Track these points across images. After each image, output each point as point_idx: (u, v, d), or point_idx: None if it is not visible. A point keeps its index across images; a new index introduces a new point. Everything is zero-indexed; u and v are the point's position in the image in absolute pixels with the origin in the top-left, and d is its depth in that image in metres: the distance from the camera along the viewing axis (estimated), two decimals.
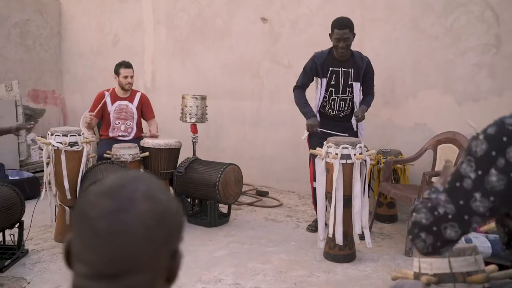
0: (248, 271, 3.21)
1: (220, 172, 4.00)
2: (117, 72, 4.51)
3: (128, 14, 6.75)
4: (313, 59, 3.75)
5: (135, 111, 4.56)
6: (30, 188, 4.75)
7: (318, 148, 3.37)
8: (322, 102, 3.80)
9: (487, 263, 1.76)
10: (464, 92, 4.16)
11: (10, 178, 4.99)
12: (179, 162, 4.30)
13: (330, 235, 3.28)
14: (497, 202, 1.08)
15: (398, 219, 4.28)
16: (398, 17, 4.46)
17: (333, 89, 3.73)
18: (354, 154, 3.21)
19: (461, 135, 3.79)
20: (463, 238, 2.36)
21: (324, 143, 3.33)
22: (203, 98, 4.37)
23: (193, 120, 4.31)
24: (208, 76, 5.92)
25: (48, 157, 3.69)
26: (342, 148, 3.20)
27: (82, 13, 7.44)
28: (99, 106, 4.41)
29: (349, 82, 3.72)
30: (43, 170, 3.84)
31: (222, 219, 4.19)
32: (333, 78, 3.71)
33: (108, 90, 4.55)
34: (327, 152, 3.25)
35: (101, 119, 4.60)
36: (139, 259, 0.72)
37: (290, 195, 5.22)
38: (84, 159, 3.71)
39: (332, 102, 3.78)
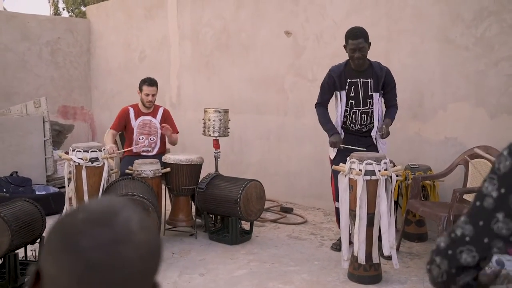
0: None
1: (242, 188, 3.91)
2: (140, 88, 4.51)
3: (154, 30, 6.82)
4: (329, 73, 3.68)
5: (158, 126, 4.55)
6: (56, 203, 4.79)
7: (341, 164, 3.25)
8: (343, 117, 3.68)
9: None
10: (497, 105, 3.96)
11: (37, 192, 5.05)
12: (201, 178, 4.25)
13: (356, 254, 3.13)
14: None
15: (428, 238, 4.08)
16: (425, 28, 4.31)
17: (353, 102, 3.61)
18: (379, 170, 3.07)
19: (494, 150, 3.59)
20: (494, 260, 2.19)
21: (348, 158, 3.20)
22: (226, 111, 4.32)
23: (216, 134, 4.26)
24: (232, 91, 5.89)
25: (70, 173, 3.70)
26: (366, 164, 3.07)
27: (111, 30, 7.58)
28: (122, 120, 4.41)
29: (369, 93, 3.57)
30: None
31: (244, 237, 4.09)
32: (352, 89, 3.59)
33: (132, 106, 4.56)
34: (350, 168, 3.12)
35: (123, 134, 4.60)
36: None
37: (315, 211, 5.08)
38: (105, 175, 3.69)
39: (354, 116, 3.65)
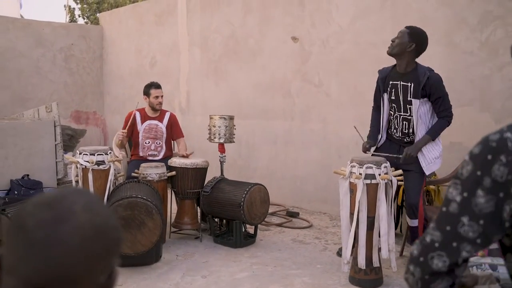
0: None
1: (245, 192, 3.95)
2: (147, 93, 4.59)
3: (165, 37, 6.92)
4: (379, 73, 3.59)
5: (164, 130, 4.61)
6: None
7: (342, 168, 3.26)
8: (387, 121, 3.57)
9: None
10: (502, 109, 3.93)
11: None
12: (206, 182, 4.29)
13: (348, 258, 3.14)
14: (488, 226, 0.98)
15: None
16: (430, 32, 4.28)
17: (395, 105, 3.46)
18: (379, 174, 3.08)
19: None
20: (487, 264, 2.19)
21: (348, 162, 3.22)
22: (231, 118, 4.37)
23: (221, 140, 4.31)
24: (240, 96, 5.94)
25: (77, 176, 3.78)
26: (366, 167, 3.08)
27: (123, 37, 7.71)
28: (129, 122, 4.50)
29: (408, 98, 3.36)
30: None
31: (248, 240, 4.12)
32: (393, 92, 3.45)
33: (138, 110, 4.64)
34: (350, 172, 3.13)
35: (131, 138, 4.68)
36: (73, 271, 0.70)
37: (321, 216, 5.08)
38: (111, 177, 3.77)
39: (396, 121, 3.50)
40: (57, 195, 0.75)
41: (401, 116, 3.46)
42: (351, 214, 3.15)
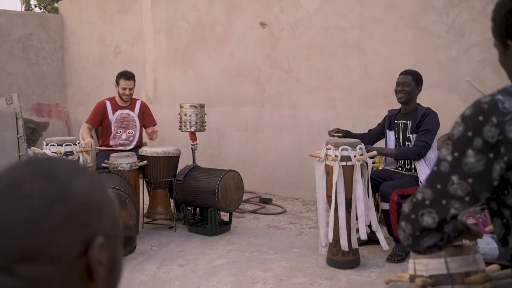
0: (247, 280, 3.09)
1: (220, 179, 3.91)
2: (117, 82, 4.46)
3: (129, 25, 6.74)
4: (388, 112, 3.72)
5: (137, 119, 4.51)
6: None
7: (317, 151, 3.27)
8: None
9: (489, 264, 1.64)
10: (469, 90, 4.02)
11: None
12: (178, 170, 4.22)
13: (330, 240, 3.16)
14: (476, 185, 1.02)
15: None
16: (398, 16, 4.36)
17: (397, 144, 3.56)
18: (355, 156, 3.10)
19: None
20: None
21: (323, 145, 3.22)
22: (202, 106, 4.30)
23: (192, 129, 4.24)
24: (209, 84, 5.87)
25: None
26: (342, 149, 3.09)
27: (84, 26, 7.46)
28: (98, 112, 4.38)
29: (407, 135, 3.48)
30: None
31: (223, 227, 4.08)
32: (396, 131, 3.57)
33: (108, 99, 4.51)
34: (326, 155, 3.14)
35: (99, 129, 4.55)
36: (29, 246, 0.62)
37: (294, 201, 5.10)
38: None
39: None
40: (8, 167, 0.67)
41: None
42: (328, 196, 3.17)
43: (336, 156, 3.08)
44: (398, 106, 3.67)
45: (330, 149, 3.13)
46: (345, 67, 4.74)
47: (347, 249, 3.14)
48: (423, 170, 3.35)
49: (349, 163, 3.09)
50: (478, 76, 3.97)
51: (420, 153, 3.31)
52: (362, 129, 4.41)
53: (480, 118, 1.01)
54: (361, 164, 3.12)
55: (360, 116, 4.64)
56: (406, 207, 1.09)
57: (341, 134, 3.61)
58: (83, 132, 4.43)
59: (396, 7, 4.36)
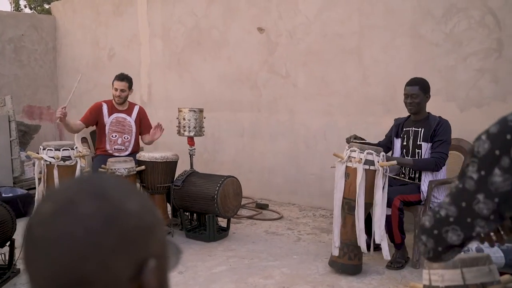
0: (249, 287, 3.07)
1: (219, 185, 3.88)
2: (112, 83, 4.42)
3: (124, 28, 6.69)
4: (394, 121, 3.72)
5: (133, 124, 4.45)
6: (24, 205, 4.63)
7: (335, 152, 3.28)
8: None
9: (500, 274, 1.64)
10: (466, 98, 4.07)
11: (3, 195, 4.85)
12: (176, 176, 4.19)
13: (337, 244, 3.15)
14: (502, 204, 1.01)
15: (407, 230, 4.14)
16: (397, 24, 4.39)
17: (405, 150, 3.55)
18: (378, 161, 3.12)
19: (465, 142, 3.69)
20: (474, 248, 2.25)
21: (347, 147, 3.23)
22: (201, 111, 4.28)
23: (191, 134, 4.21)
24: (205, 88, 5.84)
25: (40, 173, 3.57)
26: (367, 153, 3.10)
27: (77, 27, 7.39)
28: (94, 113, 4.33)
29: (418, 142, 3.47)
30: None
31: (221, 234, 4.05)
32: (405, 138, 3.56)
33: (105, 101, 4.46)
34: (349, 157, 3.14)
35: (95, 132, 4.49)
36: (84, 269, 0.60)
37: (290, 207, 5.09)
38: (77, 174, 3.59)
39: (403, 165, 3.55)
40: (62, 186, 0.66)
41: None
42: (344, 198, 3.16)
43: (360, 158, 3.09)
44: (402, 114, 3.69)
45: (355, 151, 3.14)
46: (343, 74, 4.75)
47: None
48: (426, 179, 3.37)
49: (371, 167, 3.12)
50: (475, 85, 4.01)
51: (438, 164, 3.34)
52: (359, 135, 4.42)
53: (508, 136, 1.00)
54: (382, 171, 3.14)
55: (358, 122, 4.65)
56: (426, 221, 1.09)
57: (360, 140, 3.60)
58: (75, 123, 4.41)
59: (395, 14, 4.39)
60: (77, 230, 0.60)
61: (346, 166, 3.15)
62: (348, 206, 3.17)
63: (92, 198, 0.62)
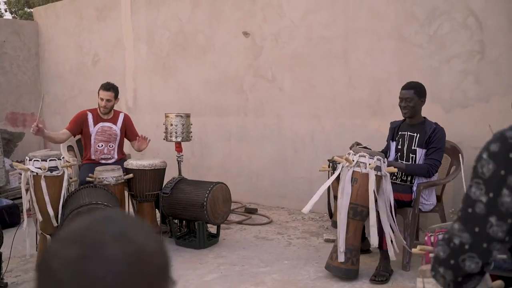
0: None
1: (208, 192, 3.87)
2: (98, 92, 4.37)
3: (108, 33, 6.63)
4: (390, 124, 3.75)
5: (119, 132, 4.41)
6: (10, 216, 4.57)
7: (345, 156, 3.25)
8: None
9: (492, 279, 1.67)
10: (451, 100, 4.12)
11: None
12: (164, 183, 4.17)
13: (342, 249, 3.15)
14: None
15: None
16: (381, 27, 4.43)
17: (399, 154, 3.58)
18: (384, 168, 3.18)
19: (451, 143, 3.74)
20: None
21: (352, 152, 3.22)
22: (188, 116, 4.26)
23: (178, 139, 4.19)
24: (191, 93, 5.82)
25: (27, 184, 3.52)
26: (376, 159, 3.13)
27: (60, 33, 7.31)
28: (78, 122, 4.29)
29: (412, 147, 3.50)
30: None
31: (211, 240, 4.05)
32: (400, 142, 3.60)
33: (90, 110, 4.41)
34: (358, 162, 3.14)
35: (81, 141, 4.45)
36: None
37: (279, 211, 5.10)
38: (65, 184, 3.55)
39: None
40: (83, 226, 0.67)
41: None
42: (351, 203, 3.16)
43: (374, 164, 3.11)
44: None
45: (364, 157, 3.14)
46: (329, 77, 4.77)
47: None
48: (419, 181, 3.44)
49: (379, 173, 3.15)
50: (459, 86, 4.06)
51: (430, 171, 3.39)
52: (346, 138, 4.46)
53: (511, 155, 0.98)
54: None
55: (345, 125, 4.68)
56: (441, 251, 1.04)
57: (364, 146, 3.60)
58: (58, 134, 4.36)
59: (380, 18, 4.42)
60: (106, 275, 0.62)
61: (354, 171, 3.15)
62: (354, 211, 3.16)
63: (117, 240, 0.65)
